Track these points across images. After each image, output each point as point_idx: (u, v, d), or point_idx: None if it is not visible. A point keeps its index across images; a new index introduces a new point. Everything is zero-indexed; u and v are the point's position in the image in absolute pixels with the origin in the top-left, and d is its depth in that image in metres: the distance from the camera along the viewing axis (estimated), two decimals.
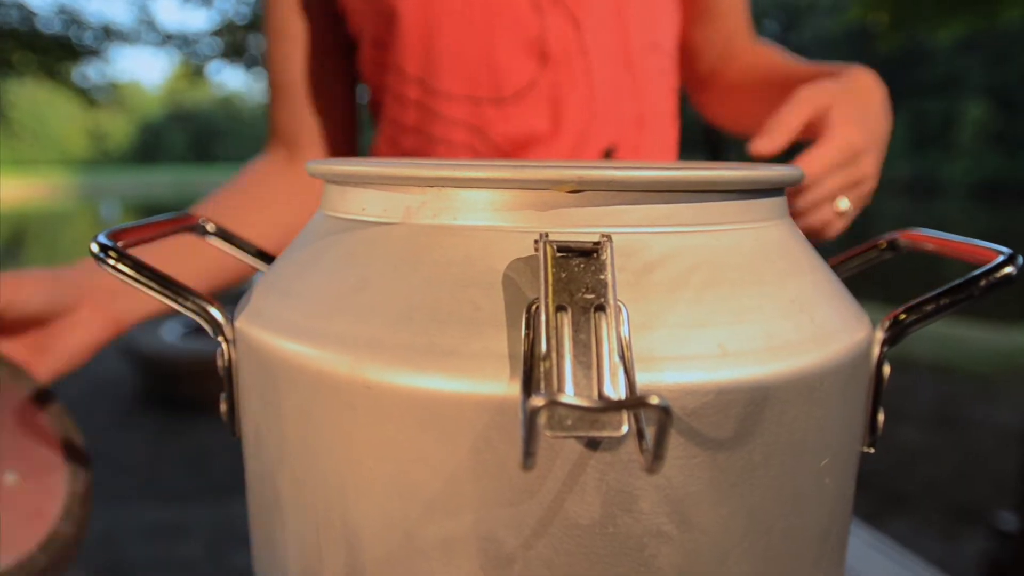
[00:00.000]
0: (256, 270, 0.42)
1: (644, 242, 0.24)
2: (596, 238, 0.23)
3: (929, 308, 0.29)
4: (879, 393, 0.30)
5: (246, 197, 0.63)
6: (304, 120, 0.65)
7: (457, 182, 0.25)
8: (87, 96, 8.65)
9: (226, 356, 0.30)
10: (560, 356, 0.20)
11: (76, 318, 0.50)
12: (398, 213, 0.26)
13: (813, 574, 0.27)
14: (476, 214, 0.25)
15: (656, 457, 0.19)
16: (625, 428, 0.20)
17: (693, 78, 0.73)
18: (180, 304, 0.30)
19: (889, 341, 0.29)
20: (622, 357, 0.21)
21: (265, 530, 0.30)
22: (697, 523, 0.23)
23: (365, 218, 0.27)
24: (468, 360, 0.22)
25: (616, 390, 0.20)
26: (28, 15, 7.52)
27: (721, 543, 0.24)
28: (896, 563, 0.64)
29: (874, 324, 0.30)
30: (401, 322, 0.24)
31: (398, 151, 0.62)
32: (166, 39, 8.78)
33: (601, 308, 0.21)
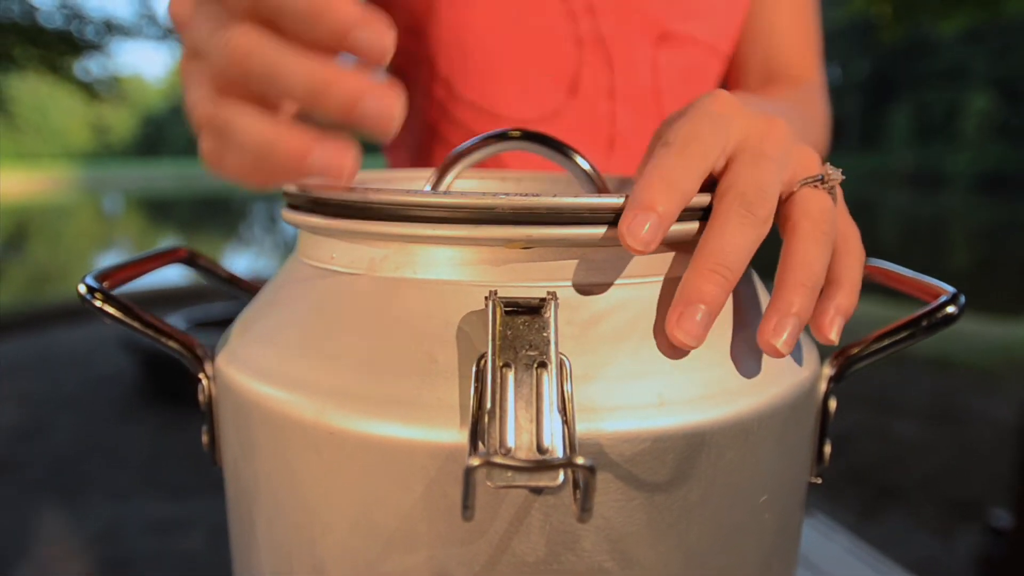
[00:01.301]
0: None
1: (592, 295, 0.26)
2: (543, 294, 0.25)
3: (875, 347, 0.30)
4: (825, 426, 0.31)
5: None
6: None
7: (417, 239, 0.26)
8: (89, 90, 8.66)
9: (206, 390, 0.32)
10: (503, 411, 0.22)
11: None
12: (363, 264, 0.28)
13: None
14: (435, 268, 0.26)
15: (583, 509, 0.20)
16: (561, 478, 0.21)
17: None
18: (164, 343, 0.32)
19: (836, 378, 0.31)
20: (562, 411, 0.23)
21: (243, 556, 0.31)
22: (637, 560, 0.25)
23: (333, 267, 0.29)
24: (423, 410, 0.24)
25: (553, 444, 0.22)
26: (30, 10, 7.53)
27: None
28: (875, 570, 0.66)
29: (823, 356, 0.32)
30: (363, 372, 0.25)
31: (415, 141, 0.62)
32: (167, 33, 8.78)
33: (543, 364, 0.23)
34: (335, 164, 0.22)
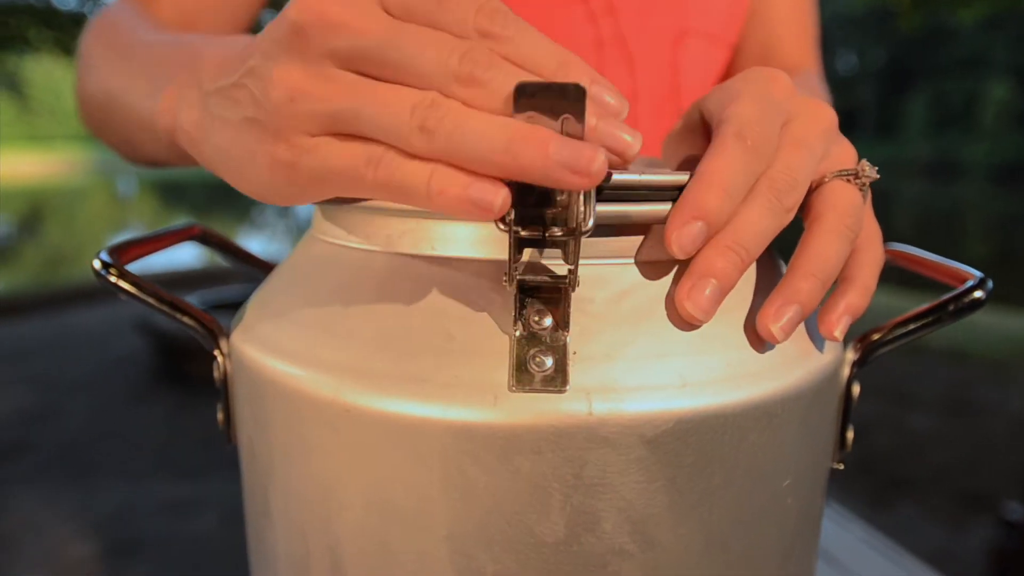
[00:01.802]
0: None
1: (616, 273, 0.26)
2: (563, 272, 0.24)
3: (899, 332, 0.30)
4: (848, 411, 0.31)
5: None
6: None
7: (435, 215, 0.26)
8: None
9: (222, 368, 0.32)
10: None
11: None
12: (380, 241, 0.27)
13: None
14: (454, 245, 0.26)
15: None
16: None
17: None
18: (178, 318, 0.32)
19: (859, 362, 0.30)
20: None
21: (257, 535, 0.31)
22: (657, 542, 0.25)
23: (349, 243, 0.28)
24: (439, 388, 0.24)
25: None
26: None
27: (681, 561, 0.25)
28: (892, 561, 0.65)
29: (847, 341, 0.31)
30: (379, 349, 0.25)
31: None
32: None
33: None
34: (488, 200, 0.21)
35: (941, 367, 3.38)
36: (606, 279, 0.26)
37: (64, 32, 7.80)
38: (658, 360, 0.24)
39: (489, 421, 0.23)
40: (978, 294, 0.29)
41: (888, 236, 0.34)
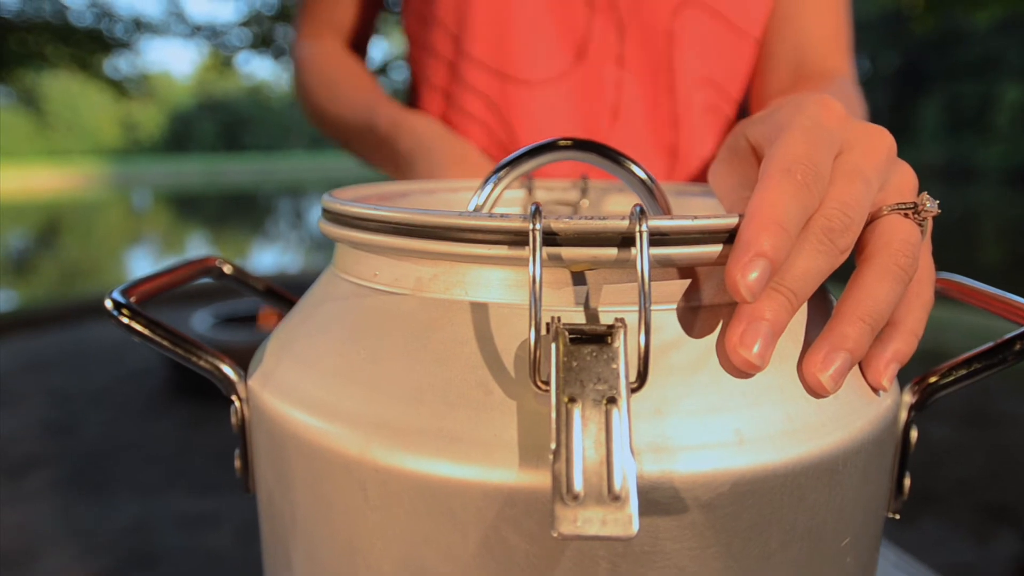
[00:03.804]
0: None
1: (661, 321, 0.24)
2: (611, 320, 0.23)
3: (960, 373, 0.28)
4: (906, 457, 0.29)
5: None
6: (349, 14, 0.70)
7: (469, 258, 0.24)
8: (119, 87, 8.77)
9: (239, 414, 0.30)
10: (570, 451, 0.20)
11: None
12: (409, 284, 0.26)
13: None
14: (488, 290, 0.24)
15: None
16: (635, 529, 0.19)
17: (763, 102, 0.64)
18: (193, 361, 0.30)
19: (917, 406, 0.28)
20: (633, 451, 0.20)
21: None
22: None
23: (377, 286, 0.27)
24: (477, 447, 0.22)
25: (626, 487, 0.20)
26: (61, 9, 7.63)
27: None
28: None
29: (904, 383, 0.29)
30: (412, 403, 0.23)
31: (430, 112, 0.62)
32: (195, 30, 8.86)
33: (613, 400, 0.21)
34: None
35: None
36: (653, 327, 0.24)
37: (81, 48, 7.89)
38: (712, 415, 0.23)
39: (532, 484, 0.21)
40: None
41: None
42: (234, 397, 0.30)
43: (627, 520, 0.19)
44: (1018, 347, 0.27)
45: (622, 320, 0.22)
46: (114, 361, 3.74)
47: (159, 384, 3.32)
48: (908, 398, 0.28)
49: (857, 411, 0.25)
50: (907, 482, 0.29)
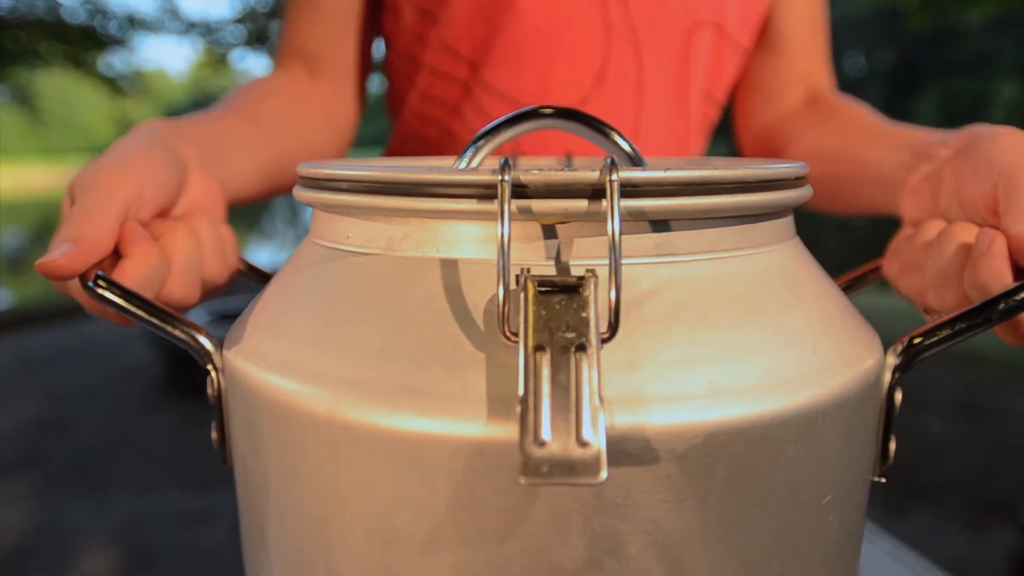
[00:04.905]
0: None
1: (634, 274, 0.24)
2: (581, 272, 0.22)
3: (944, 333, 0.28)
4: (891, 420, 0.29)
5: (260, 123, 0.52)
6: (330, 39, 0.59)
7: (440, 214, 0.24)
8: (113, 85, 8.73)
9: (215, 384, 0.30)
10: (538, 399, 0.20)
11: (192, 190, 0.39)
12: (381, 244, 0.25)
13: None
14: (460, 246, 0.24)
15: None
16: (604, 475, 0.19)
17: (749, 120, 0.65)
18: (168, 331, 0.29)
19: (901, 367, 0.28)
20: (603, 400, 0.20)
21: (253, 558, 0.29)
22: (688, 567, 0.22)
23: (349, 247, 0.26)
24: (446, 401, 0.22)
25: (596, 435, 0.19)
26: (54, 6, 7.59)
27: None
28: (916, 573, 0.63)
29: (887, 345, 0.29)
30: (381, 360, 0.23)
31: (425, 126, 0.60)
32: (189, 27, 8.82)
33: (582, 348, 0.20)
34: None
35: (956, 370, 3.33)
36: (624, 281, 0.23)
37: (74, 46, 7.85)
38: (687, 367, 0.22)
39: (501, 437, 0.21)
40: None
41: None
42: (210, 367, 0.30)
43: (595, 466, 0.19)
44: (1002, 307, 0.27)
45: (593, 271, 0.22)
46: (109, 358, 3.73)
47: (154, 381, 3.31)
48: (892, 360, 0.28)
49: (835, 367, 0.25)
50: (892, 445, 0.29)
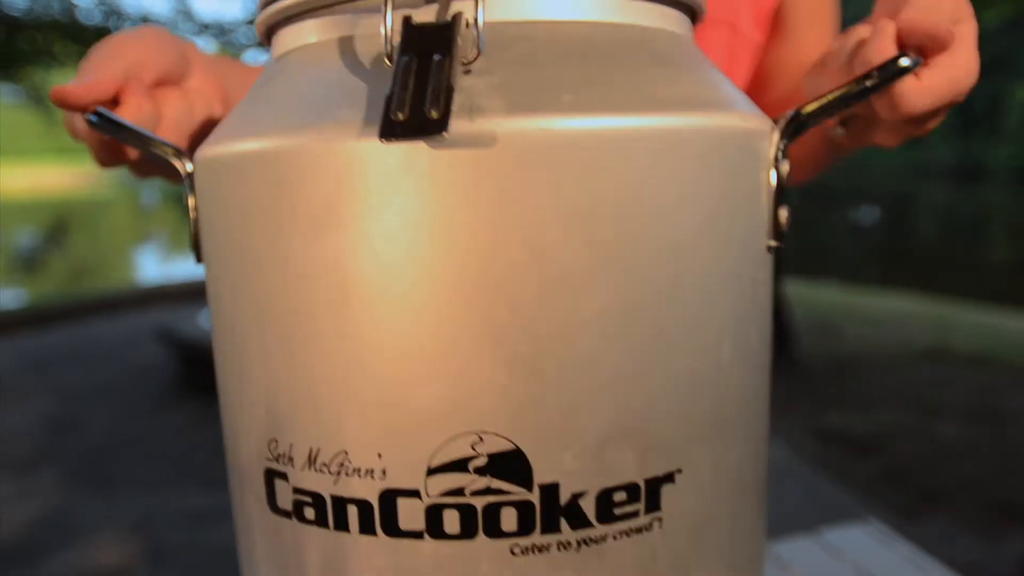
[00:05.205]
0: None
1: (508, 28, 0.28)
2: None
3: (827, 100, 0.31)
4: (780, 189, 0.31)
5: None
6: None
7: None
8: None
9: (188, 185, 0.34)
10: (396, 87, 0.25)
11: (192, 80, 0.43)
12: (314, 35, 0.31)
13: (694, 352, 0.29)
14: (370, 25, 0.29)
15: None
16: (446, 132, 0.24)
17: (759, 104, 0.66)
18: (149, 149, 0.34)
19: (786, 132, 0.31)
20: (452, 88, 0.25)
21: (224, 365, 0.36)
22: (550, 255, 0.26)
23: (281, 52, 0.33)
24: (327, 125, 0.27)
25: (439, 107, 0.24)
26: (69, 7, 7.65)
27: (572, 274, 0.26)
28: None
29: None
30: (299, 114, 0.29)
31: None
32: (203, 28, 8.87)
33: (444, 55, 0.25)
34: None
35: (966, 374, 3.30)
36: (498, 30, 0.28)
37: (89, 46, 7.90)
38: (548, 88, 0.27)
39: (369, 147, 0.26)
40: (904, 62, 0.30)
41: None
42: (185, 178, 0.33)
43: (440, 127, 0.23)
44: (878, 75, 0.30)
45: (461, 13, 0.26)
46: (120, 358, 3.75)
47: (165, 380, 3.33)
48: (776, 132, 0.31)
49: (700, 104, 0.28)
50: (783, 214, 0.31)
